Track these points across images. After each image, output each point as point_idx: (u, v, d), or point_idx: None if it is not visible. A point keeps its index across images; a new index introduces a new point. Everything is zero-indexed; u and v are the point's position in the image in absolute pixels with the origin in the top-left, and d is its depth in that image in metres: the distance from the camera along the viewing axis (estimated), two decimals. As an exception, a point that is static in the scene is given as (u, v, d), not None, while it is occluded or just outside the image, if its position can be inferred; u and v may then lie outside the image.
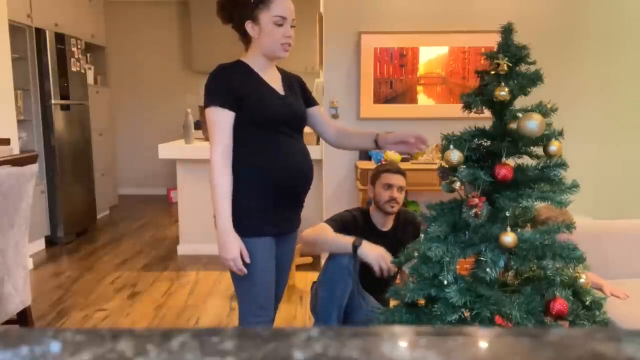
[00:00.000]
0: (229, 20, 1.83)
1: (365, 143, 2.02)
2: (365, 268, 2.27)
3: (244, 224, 1.78)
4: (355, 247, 2.16)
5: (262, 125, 1.79)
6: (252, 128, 1.79)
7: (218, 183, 1.75)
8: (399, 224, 2.48)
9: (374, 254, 2.15)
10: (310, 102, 2.01)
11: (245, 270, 1.76)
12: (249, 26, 1.78)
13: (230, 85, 1.77)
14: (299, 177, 1.86)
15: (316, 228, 2.33)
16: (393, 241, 2.40)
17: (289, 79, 1.95)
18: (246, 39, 1.84)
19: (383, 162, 3.59)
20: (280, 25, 1.76)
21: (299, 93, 1.96)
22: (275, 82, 1.87)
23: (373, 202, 2.48)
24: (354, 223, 2.41)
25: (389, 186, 2.40)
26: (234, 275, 1.85)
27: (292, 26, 1.80)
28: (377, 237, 2.40)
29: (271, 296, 1.87)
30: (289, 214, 1.92)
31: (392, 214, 2.44)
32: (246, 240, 1.79)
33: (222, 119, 1.75)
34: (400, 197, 2.42)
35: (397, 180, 2.41)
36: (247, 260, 1.76)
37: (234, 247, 1.74)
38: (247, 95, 1.77)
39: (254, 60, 1.84)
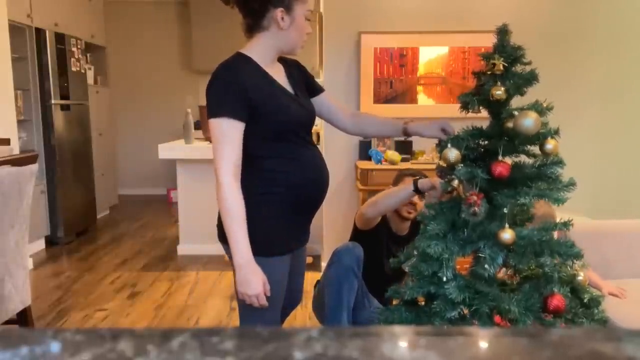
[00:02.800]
0: (246, 2, 1.57)
1: (391, 131, 1.85)
2: (367, 269, 2.27)
3: (262, 243, 1.57)
4: (415, 184, 2.09)
5: (282, 135, 1.58)
6: (269, 137, 1.57)
7: (231, 207, 1.49)
8: (415, 228, 2.48)
9: (428, 186, 2.06)
10: (316, 89, 1.79)
11: (267, 304, 1.54)
12: (279, 15, 1.53)
13: (241, 90, 1.51)
14: (321, 185, 1.69)
15: (370, 199, 2.31)
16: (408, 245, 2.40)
17: (289, 69, 1.71)
18: (258, 26, 1.58)
19: (384, 162, 3.60)
20: (309, 20, 1.60)
21: (303, 83, 1.74)
22: (281, 78, 1.65)
23: (395, 211, 2.45)
24: (374, 228, 2.40)
25: None
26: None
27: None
28: (394, 242, 2.40)
29: (279, 315, 1.72)
30: (305, 228, 1.76)
31: (409, 219, 2.43)
32: (263, 259, 1.56)
33: (232, 132, 1.50)
34: (420, 204, 2.37)
35: None
36: (269, 293, 1.54)
37: (257, 280, 1.51)
38: (261, 103, 1.53)
39: (262, 53, 1.59)
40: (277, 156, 1.59)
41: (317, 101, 1.78)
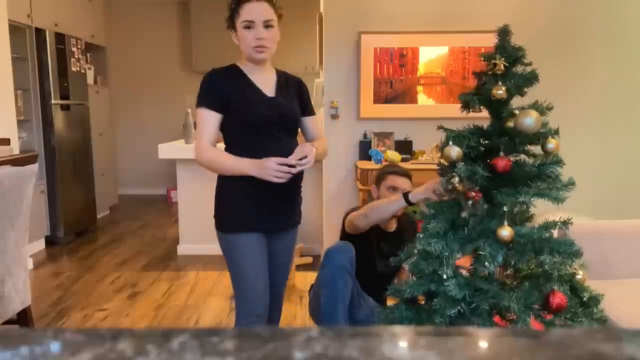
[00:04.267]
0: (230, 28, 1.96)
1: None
2: (361, 269, 2.27)
3: (230, 220, 1.89)
4: (406, 196, 2.08)
5: (247, 126, 1.89)
6: (239, 129, 1.90)
7: (210, 156, 1.87)
8: (402, 225, 2.49)
9: (424, 189, 2.05)
10: (305, 111, 2.06)
11: (298, 167, 1.80)
12: (233, 36, 1.92)
13: (218, 88, 1.89)
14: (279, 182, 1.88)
15: (361, 208, 2.31)
16: (397, 242, 2.40)
17: (286, 81, 2.01)
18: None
19: (384, 162, 3.59)
20: (249, 28, 1.85)
21: (295, 96, 2.01)
22: (265, 83, 1.95)
23: None
24: None
25: (394, 189, 2.37)
26: (230, 273, 1.96)
27: (267, 26, 1.85)
28: (382, 237, 2.40)
29: (262, 291, 1.92)
30: (278, 212, 1.96)
31: (397, 216, 2.44)
32: (233, 236, 1.89)
33: (208, 119, 1.89)
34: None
35: (403, 183, 2.38)
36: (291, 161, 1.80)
37: (264, 160, 1.79)
38: (233, 98, 1.88)
39: (245, 64, 1.95)
40: (241, 145, 1.90)
41: (303, 120, 2.06)
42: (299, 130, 2.07)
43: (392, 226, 2.47)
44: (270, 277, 2.00)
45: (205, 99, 1.89)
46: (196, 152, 1.90)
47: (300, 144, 1.92)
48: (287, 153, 1.87)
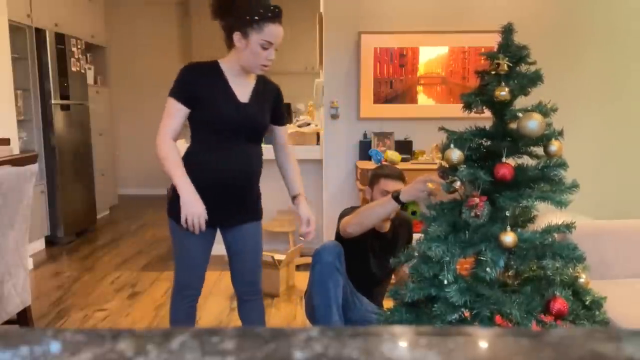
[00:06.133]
0: (221, 18, 1.94)
1: (289, 190, 2.18)
2: (355, 269, 2.26)
3: (177, 209, 1.92)
4: (396, 197, 2.06)
5: (211, 127, 1.93)
6: (203, 127, 1.95)
7: (167, 154, 1.89)
8: (395, 225, 2.48)
9: (413, 188, 2.04)
10: (276, 120, 2.10)
11: (204, 228, 1.90)
12: (237, 37, 1.88)
13: (191, 83, 1.92)
14: (227, 178, 1.96)
15: (353, 214, 2.28)
16: (391, 242, 2.39)
17: (263, 88, 2.04)
18: (230, 42, 1.92)
19: (383, 162, 3.59)
20: (266, 48, 1.87)
21: (269, 103, 2.04)
22: (242, 88, 1.97)
23: None
24: None
25: (387, 193, 2.33)
26: (173, 254, 2.07)
27: (275, 49, 1.91)
28: (375, 238, 2.39)
29: (195, 277, 2.06)
30: (227, 209, 2.01)
31: (389, 219, 2.42)
32: (177, 224, 1.95)
33: (174, 110, 1.92)
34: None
35: (395, 186, 2.32)
36: (206, 217, 1.90)
37: (200, 206, 1.88)
38: (203, 96, 1.91)
39: (229, 65, 1.96)
40: (203, 142, 1.96)
41: (273, 128, 2.12)
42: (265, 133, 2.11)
43: (386, 226, 2.46)
44: (239, 272, 2.12)
45: (177, 91, 1.93)
46: (157, 141, 1.92)
47: (302, 216, 2.03)
48: (245, 159, 1.97)
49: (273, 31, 1.85)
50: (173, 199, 1.98)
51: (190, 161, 1.96)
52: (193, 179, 1.91)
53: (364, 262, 2.39)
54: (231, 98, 1.94)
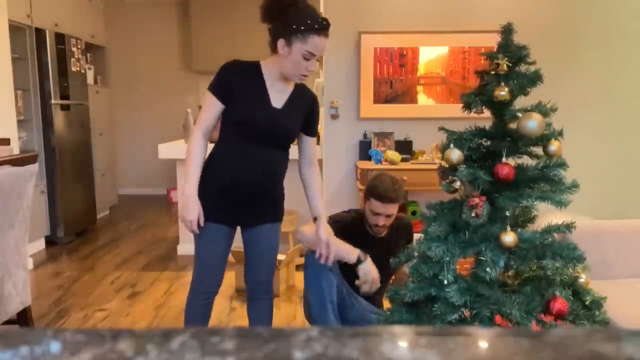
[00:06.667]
0: (269, 22, 1.92)
1: (311, 209, 2.17)
2: (351, 273, 2.26)
3: (203, 208, 1.97)
4: (359, 261, 2.16)
5: (238, 127, 1.94)
6: (231, 126, 1.97)
7: (194, 154, 1.96)
8: (393, 230, 2.47)
9: (372, 276, 2.16)
10: (307, 129, 2.09)
11: (197, 231, 1.97)
12: (280, 44, 1.88)
13: (231, 80, 1.93)
14: (248, 180, 1.97)
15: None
16: (387, 246, 2.38)
17: (300, 97, 2.03)
18: (274, 47, 1.92)
19: (384, 162, 3.60)
20: (307, 59, 1.87)
21: (302, 112, 2.03)
22: (278, 94, 1.98)
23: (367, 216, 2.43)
24: (352, 227, 2.38)
25: (375, 214, 2.32)
26: (195, 250, 2.09)
27: (317, 60, 1.92)
28: (371, 243, 2.38)
29: (212, 275, 2.08)
30: (244, 210, 2.03)
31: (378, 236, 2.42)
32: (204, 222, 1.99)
33: (211, 104, 1.96)
34: (387, 222, 2.34)
35: (386, 209, 2.30)
36: (202, 224, 1.97)
37: (195, 210, 1.95)
38: (238, 96, 1.92)
39: (270, 68, 1.96)
40: (230, 141, 1.97)
41: (301, 139, 2.12)
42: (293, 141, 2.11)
43: (383, 231, 2.46)
44: (251, 270, 2.14)
45: (215, 85, 1.95)
46: (191, 134, 2.00)
47: (322, 238, 2.03)
48: (268, 164, 1.98)
49: (317, 43, 1.85)
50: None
51: (214, 159, 2.00)
52: (215, 177, 1.97)
53: None
54: (265, 102, 1.95)
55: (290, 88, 2.01)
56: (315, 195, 2.14)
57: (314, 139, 2.17)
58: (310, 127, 2.10)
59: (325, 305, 2.19)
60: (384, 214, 2.31)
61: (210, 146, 2.03)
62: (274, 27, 1.90)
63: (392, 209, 2.31)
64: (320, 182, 2.18)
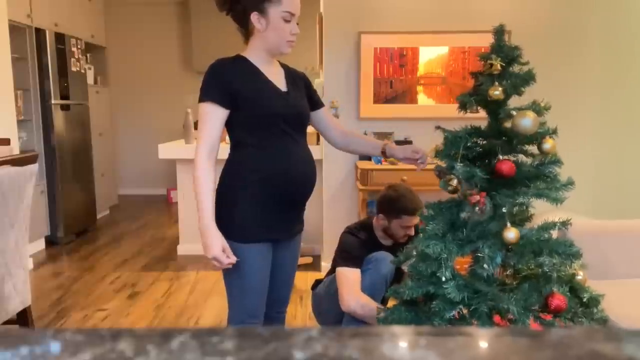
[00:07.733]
0: (229, 8, 1.73)
1: (371, 150, 2.00)
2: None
3: (238, 228, 1.72)
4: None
5: (262, 123, 1.71)
6: (252, 127, 1.71)
7: (201, 180, 1.67)
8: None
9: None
10: (315, 103, 1.92)
11: (234, 261, 1.68)
12: (254, 18, 1.69)
13: (227, 80, 1.70)
14: (300, 183, 1.77)
15: (352, 291, 2.23)
16: (398, 253, 2.41)
17: (292, 75, 1.86)
18: (247, 30, 1.75)
19: (384, 163, 3.59)
20: (288, 21, 1.70)
21: (304, 91, 1.87)
22: (277, 77, 1.79)
23: (384, 230, 2.43)
24: (363, 248, 2.39)
25: (409, 228, 2.37)
26: (226, 280, 1.79)
27: (297, 23, 1.76)
28: (391, 252, 2.41)
29: (262, 304, 1.80)
30: (288, 221, 1.83)
31: (389, 234, 2.45)
32: (239, 245, 1.71)
33: (212, 115, 1.68)
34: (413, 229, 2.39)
35: (416, 219, 2.33)
36: (232, 259, 1.68)
37: (216, 245, 1.65)
38: (244, 92, 1.69)
39: (255, 54, 1.76)
40: (255, 145, 1.72)
41: (315, 115, 1.92)
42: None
43: (388, 241, 2.48)
44: (274, 288, 1.87)
45: (211, 92, 1.68)
46: (195, 159, 1.69)
47: (410, 148, 1.86)
48: (302, 155, 1.78)
49: (291, 0, 1.70)
50: (223, 214, 1.72)
51: (240, 173, 1.73)
52: (249, 193, 1.71)
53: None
54: (273, 89, 1.75)
55: (279, 69, 1.83)
56: (364, 137, 2.01)
57: (326, 107, 2.01)
58: (316, 100, 1.93)
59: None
60: (413, 224, 2.35)
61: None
62: (236, 10, 1.72)
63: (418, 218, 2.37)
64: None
